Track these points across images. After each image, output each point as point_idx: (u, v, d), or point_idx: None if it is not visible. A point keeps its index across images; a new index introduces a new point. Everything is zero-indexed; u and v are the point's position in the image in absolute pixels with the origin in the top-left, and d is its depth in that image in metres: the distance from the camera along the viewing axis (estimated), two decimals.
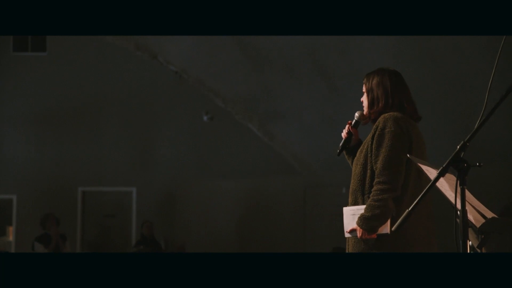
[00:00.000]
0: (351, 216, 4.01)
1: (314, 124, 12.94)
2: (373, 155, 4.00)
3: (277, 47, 11.88)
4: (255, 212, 13.80)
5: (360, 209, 3.97)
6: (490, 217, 3.08)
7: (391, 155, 3.93)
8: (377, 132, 4.01)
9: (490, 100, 2.98)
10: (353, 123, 4.31)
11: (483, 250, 3.11)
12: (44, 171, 14.14)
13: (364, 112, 4.26)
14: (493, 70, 3.06)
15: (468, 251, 2.91)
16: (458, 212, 2.87)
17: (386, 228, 3.88)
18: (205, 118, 14.25)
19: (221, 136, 14.37)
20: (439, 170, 2.87)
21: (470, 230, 3.03)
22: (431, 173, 3.04)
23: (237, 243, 13.67)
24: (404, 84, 4.19)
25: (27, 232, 11.54)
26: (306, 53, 11.80)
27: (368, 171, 4.03)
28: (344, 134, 4.32)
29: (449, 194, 3.02)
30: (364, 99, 4.23)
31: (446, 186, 3.03)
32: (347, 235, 4.04)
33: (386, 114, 4.06)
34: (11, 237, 14.20)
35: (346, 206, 4.13)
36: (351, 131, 4.31)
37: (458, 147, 2.86)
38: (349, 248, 4.08)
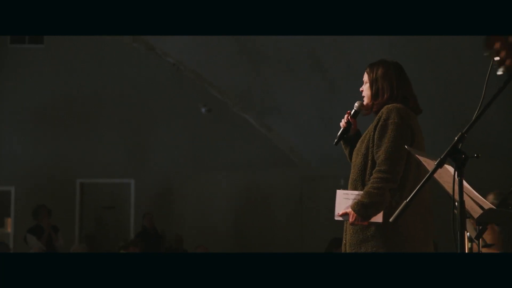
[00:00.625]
0: (344, 199, 3.98)
1: (311, 117, 12.95)
2: (375, 145, 4.01)
3: (275, 41, 11.88)
4: (252, 204, 13.82)
5: (354, 194, 3.96)
6: (488, 208, 3.10)
7: (393, 146, 3.94)
8: (380, 123, 4.02)
9: (487, 93, 3.00)
10: (352, 113, 4.32)
11: (481, 241, 3.13)
12: (42, 163, 14.13)
13: (364, 103, 4.26)
14: (490, 64, 3.07)
15: (466, 242, 2.92)
16: (456, 203, 2.89)
17: (379, 217, 3.88)
18: (203, 110, 14.24)
19: (219, 128, 14.37)
20: (437, 161, 2.89)
21: (468, 221, 3.05)
22: (429, 164, 3.06)
23: (234, 235, 13.70)
24: (406, 77, 4.22)
25: (25, 223, 11.52)
26: (304, 47, 11.80)
27: (369, 161, 4.03)
28: (343, 123, 4.31)
29: (447, 185, 3.03)
30: (366, 89, 4.23)
31: (444, 177, 3.05)
32: (337, 218, 4.01)
33: (390, 105, 4.07)
34: (9, 229, 14.20)
35: None
36: (350, 120, 4.31)
37: (456, 138, 2.87)
38: (347, 238, 4.08)
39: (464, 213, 2.89)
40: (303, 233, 13.33)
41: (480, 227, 3.07)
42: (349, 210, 3.94)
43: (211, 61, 13.33)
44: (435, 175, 2.96)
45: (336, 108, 11.57)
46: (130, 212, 14.34)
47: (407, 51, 10.15)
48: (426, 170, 3.12)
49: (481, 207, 3.10)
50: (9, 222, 14.25)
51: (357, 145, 4.18)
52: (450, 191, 2.92)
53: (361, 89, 4.28)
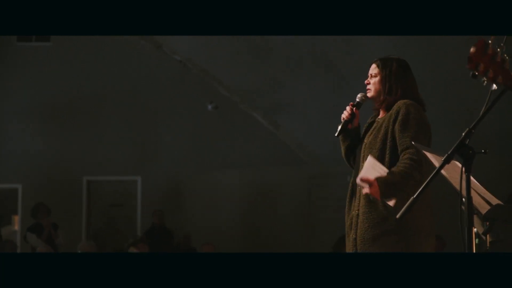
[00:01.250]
0: (372, 168, 3.87)
1: (319, 115, 12.92)
2: (399, 137, 3.95)
3: (283, 38, 11.84)
4: (260, 201, 13.80)
5: (383, 169, 3.85)
6: (496, 204, 3.07)
7: (421, 139, 3.89)
8: (400, 117, 3.98)
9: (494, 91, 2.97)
10: (355, 104, 4.27)
11: (488, 237, 3.11)
12: (49, 161, 14.15)
13: (370, 95, 4.22)
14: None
15: (474, 238, 2.90)
16: (464, 199, 2.87)
17: (392, 201, 3.81)
18: (209, 107, 14.24)
19: (227, 125, 14.36)
20: (444, 157, 2.87)
21: (475, 217, 3.03)
22: (437, 160, 3.04)
23: (242, 233, 13.69)
24: (413, 76, 4.22)
25: (32, 221, 11.55)
26: (312, 44, 11.77)
27: (387, 156, 4.00)
28: (346, 115, 4.25)
29: (455, 181, 3.01)
30: (376, 83, 4.18)
31: (452, 173, 3.03)
32: (358, 181, 3.89)
33: (406, 101, 4.05)
34: (16, 227, 14.24)
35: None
36: (354, 112, 4.27)
37: (463, 134, 2.85)
38: (358, 233, 4.03)
39: (472, 209, 2.87)
40: (311, 229, 13.31)
41: (488, 223, 3.05)
42: (373, 180, 3.82)
43: (218, 59, 13.31)
44: (443, 171, 2.94)
45: (344, 105, 11.51)
46: (137, 209, 14.35)
47: (407, 51, 10.12)
48: (433, 165, 3.10)
49: (488, 203, 3.07)
50: (16, 220, 14.29)
51: (368, 140, 4.13)
52: (458, 187, 2.89)
53: (366, 81, 4.24)
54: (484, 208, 3.06)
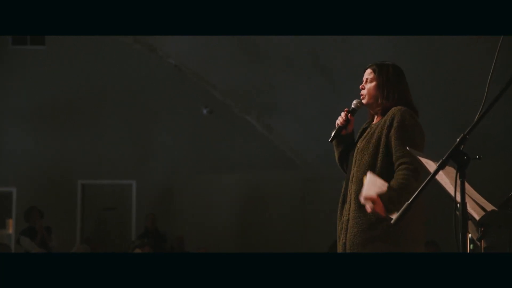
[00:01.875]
0: (373, 185, 3.84)
1: (312, 118, 12.92)
2: (395, 144, 3.97)
3: (276, 40, 11.85)
4: (254, 205, 13.80)
5: (384, 184, 3.83)
6: (490, 209, 3.08)
7: (417, 146, 3.91)
8: (396, 124, 3.99)
9: (489, 94, 2.97)
10: (350, 110, 4.27)
11: (483, 243, 3.11)
12: (44, 164, 14.13)
13: (365, 101, 4.22)
14: (493, 62, 3.06)
15: (468, 244, 2.91)
16: (458, 205, 2.87)
17: (396, 215, 3.80)
18: (204, 111, 14.23)
19: (220, 128, 14.36)
20: (439, 162, 2.87)
21: (470, 223, 3.03)
22: (431, 166, 3.04)
23: (236, 236, 13.68)
24: (406, 80, 4.23)
25: (27, 225, 11.53)
26: (305, 46, 11.78)
27: (379, 161, 4.01)
28: (341, 121, 4.26)
29: (449, 187, 3.02)
30: (372, 88, 4.19)
31: (446, 179, 3.03)
32: (362, 200, 3.86)
33: (400, 107, 4.06)
34: (10, 230, 14.20)
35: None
36: (349, 118, 4.27)
37: (457, 139, 2.85)
38: (348, 237, 4.02)
39: (466, 215, 2.88)
40: (305, 233, 13.31)
41: (483, 229, 3.05)
42: (377, 199, 3.80)
43: (211, 62, 13.32)
44: (436, 177, 2.94)
45: (338, 108, 11.50)
46: (132, 213, 14.33)
47: (407, 51, 10.13)
48: (427, 170, 3.10)
49: (483, 208, 3.08)
50: (11, 223, 14.25)
51: (360, 145, 4.14)
52: (452, 193, 2.90)
53: (361, 86, 4.24)
54: (478, 214, 3.07)
